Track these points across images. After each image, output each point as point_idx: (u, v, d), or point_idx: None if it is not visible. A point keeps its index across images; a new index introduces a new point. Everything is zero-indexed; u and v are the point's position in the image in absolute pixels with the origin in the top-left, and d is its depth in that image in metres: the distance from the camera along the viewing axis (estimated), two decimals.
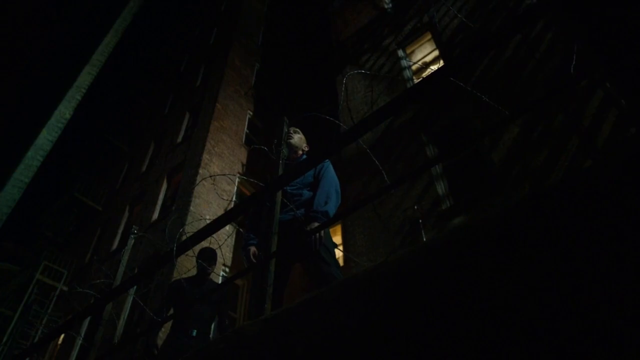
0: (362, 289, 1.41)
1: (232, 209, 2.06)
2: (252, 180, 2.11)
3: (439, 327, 1.11)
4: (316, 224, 2.09)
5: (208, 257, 3.74)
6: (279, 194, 2.11)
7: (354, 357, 1.28)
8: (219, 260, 9.28)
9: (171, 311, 3.67)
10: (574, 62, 1.66)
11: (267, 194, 2.04)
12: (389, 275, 1.33)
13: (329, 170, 2.39)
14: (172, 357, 3.16)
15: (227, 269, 9.69)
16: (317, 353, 1.36)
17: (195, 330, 3.40)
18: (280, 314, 1.48)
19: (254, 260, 2.18)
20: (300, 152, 2.60)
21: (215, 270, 9.33)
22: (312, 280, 2.16)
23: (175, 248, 2.12)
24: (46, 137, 3.17)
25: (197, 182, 9.97)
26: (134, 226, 3.49)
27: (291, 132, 2.56)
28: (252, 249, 2.23)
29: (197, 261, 3.76)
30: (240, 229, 2.44)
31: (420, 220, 6.10)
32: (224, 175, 3.09)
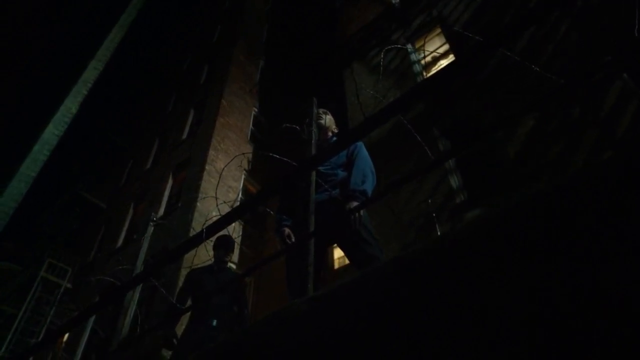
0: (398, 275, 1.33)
1: (267, 187, 1.97)
2: (284, 159, 2.03)
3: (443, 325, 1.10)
4: (355, 203, 2.01)
5: (225, 245, 3.65)
6: (314, 173, 2.03)
7: (396, 340, 1.21)
8: None
9: (188, 302, 3.59)
10: (637, 26, 1.57)
11: (302, 173, 1.96)
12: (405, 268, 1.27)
13: (363, 151, 2.32)
14: (194, 348, 3.08)
15: (233, 266, 9.60)
16: (363, 332, 1.28)
17: (216, 321, 3.32)
18: (329, 293, 1.39)
19: (289, 242, 2.10)
20: (330, 133, 2.53)
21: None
22: (352, 261, 2.08)
23: (204, 229, 2.04)
24: (52, 132, 3.09)
25: (223, 168, 9.87)
26: (152, 213, 3.42)
27: (321, 113, 2.49)
28: (286, 230, 2.15)
29: (214, 250, 3.67)
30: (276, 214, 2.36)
31: (434, 214, 6.02)
32: (251, 153, 3.02)
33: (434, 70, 8.80)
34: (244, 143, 12.27)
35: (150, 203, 11.87)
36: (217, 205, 2.11)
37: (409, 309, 1.22)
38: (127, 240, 11.90)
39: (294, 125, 2.15)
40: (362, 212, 2.02)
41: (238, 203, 11.51)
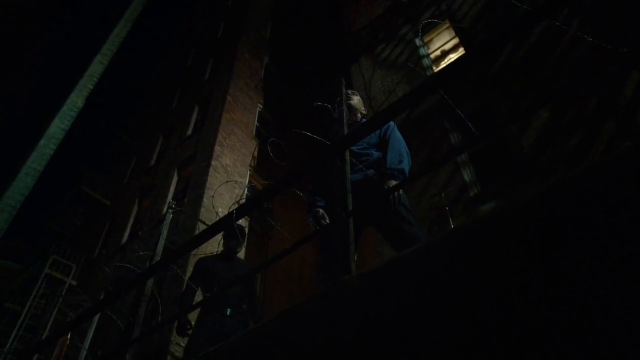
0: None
1: (300, 166, 1.89)
2: (317, 137, 1.96)
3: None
4: (394, 183, 1.94)
5: (238, 236, 3.58)
6: (348, 153, 1.96)
7: (457, 315, 1.14)
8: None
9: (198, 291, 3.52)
10: None
11: (336, 152, 1.89)
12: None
13: (396, 131, 2.26)
14: (210, 337, 3.02)
15: None
16: (423, 307, 1.21)
17: (230, 310, 3.25)
18: (385, 267, 1.32)
19: (324, 223, 2.03)
20: (359, 115, 2.47)
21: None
22: (391, 242, 2.01)
23: (235, 211, 1.96)
24: (59, 126, 3.01)
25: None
26: (171, 201, 3.35)
27: (350, 94, 2.43)
28: (321, 211, 2.07)
29: (225, 238, 3.61)
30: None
31: (447, 208, 5.94)
32: (256, 150, 2.94)
33: (443, 64, 8.71)
34: (249, 139, 12.20)
35: (155, 199, 11.81)
36: (242, 192, 2.03)
37: (474, 282, 1.15)
38: (132, 237, 11.83)
39: (326, 104, 2.08)
40: (401, 191, 1.95)
41: (244, 200, 11.42)
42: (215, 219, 10.05)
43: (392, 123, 2.27)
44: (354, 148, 2.13)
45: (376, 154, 2.18)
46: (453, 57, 8.58)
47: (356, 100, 2.45)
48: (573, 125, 5.54)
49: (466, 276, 1.16)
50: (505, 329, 1.04)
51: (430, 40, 9.17)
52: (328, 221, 2.02)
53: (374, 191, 1.97)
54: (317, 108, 2.22)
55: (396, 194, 1.90)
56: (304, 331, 1.38)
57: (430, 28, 9.21)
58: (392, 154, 2.10)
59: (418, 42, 9.11)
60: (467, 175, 6.22)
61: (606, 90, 5.44)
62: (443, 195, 6.07)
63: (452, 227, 5.99)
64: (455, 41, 8.61)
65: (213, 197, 8.55)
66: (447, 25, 8.92)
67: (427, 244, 1.22)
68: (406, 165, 2.06)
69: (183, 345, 7.39)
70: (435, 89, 1.77)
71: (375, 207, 1.95)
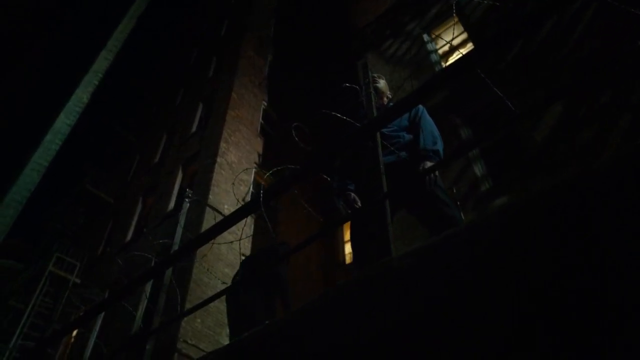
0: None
1: (329, 149, 1.82)
2: (345, 118, 1.89)
3: None
4: (429, 164, 1.88)
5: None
6: (378, 134, 1.90)
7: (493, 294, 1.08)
8: (239, 250, 9.07)
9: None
10: None
11: (367, 133, 1.82)
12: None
13: (426, 114, 2.21)
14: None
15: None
16: (464, 286, 1.15)
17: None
18: (438, 244, 1.26)
19: (356, 206, 1.97)
20: (385, 98, 2.41)
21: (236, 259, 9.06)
22: (427, 224, 1.95)
23: (261, 193, 1.90)
24: (64, 121, 2.97)
25: (214, 170, 9.74)
26: (187, 190, 3.29)
27: (376, 77, 2.37)
28: (352, 194, 2.02)
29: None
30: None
31: (459, 203, 5.87)
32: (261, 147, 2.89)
33: (451, 60, 8.65)
34: (254, 136, 12.15)
35: (160, 196, 11.75)
36: (269, 174, 1.96)
37: (529, 259, 1.09)
38: (137, 235, 11.78)
39: (354, 85, 2.02)
40: (436, 172, 1.89)
41: (249, 198, 11.37)
42: (220, 216, 9.92)
43: (421, 106, 2.22)
44: (384, 130, 2.08)
45: (407, 136, 2.14)
46: (462, 51, 8.52)
47: (382, 83, 2.40)
48: (587, 118, 5.47)
49: (522, 253, 1.10)
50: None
51: (438, 36, 9.10)
52: (360, 204, 1.97)
53: (406, 173, 1.92)
54: (343, 90, 2.15)
55: (432, 175, 1.85)
56: (347, 314, 1.32)
57: (440, 22, 9.15)
58: (425, 135, 2.05)
59: (425, 37, 9.05)
60: (478, 169, 6.16)
61: (621, 83, 5.37)
62: (454, 190, 6.01)
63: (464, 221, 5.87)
64: (464, 36, 8.54)
65: (233, 184, 8.49)
66: (455, 20, 8.86)
67: (483, 219, 1.15)
68: (440, 147, 2.02)
69: (190, 342, 7.33)
70: (474, 65, 1.70)
71: (411, 189, 1.89)
